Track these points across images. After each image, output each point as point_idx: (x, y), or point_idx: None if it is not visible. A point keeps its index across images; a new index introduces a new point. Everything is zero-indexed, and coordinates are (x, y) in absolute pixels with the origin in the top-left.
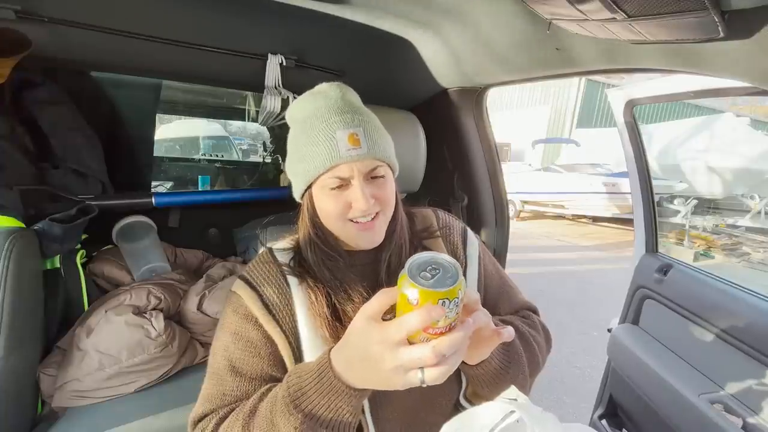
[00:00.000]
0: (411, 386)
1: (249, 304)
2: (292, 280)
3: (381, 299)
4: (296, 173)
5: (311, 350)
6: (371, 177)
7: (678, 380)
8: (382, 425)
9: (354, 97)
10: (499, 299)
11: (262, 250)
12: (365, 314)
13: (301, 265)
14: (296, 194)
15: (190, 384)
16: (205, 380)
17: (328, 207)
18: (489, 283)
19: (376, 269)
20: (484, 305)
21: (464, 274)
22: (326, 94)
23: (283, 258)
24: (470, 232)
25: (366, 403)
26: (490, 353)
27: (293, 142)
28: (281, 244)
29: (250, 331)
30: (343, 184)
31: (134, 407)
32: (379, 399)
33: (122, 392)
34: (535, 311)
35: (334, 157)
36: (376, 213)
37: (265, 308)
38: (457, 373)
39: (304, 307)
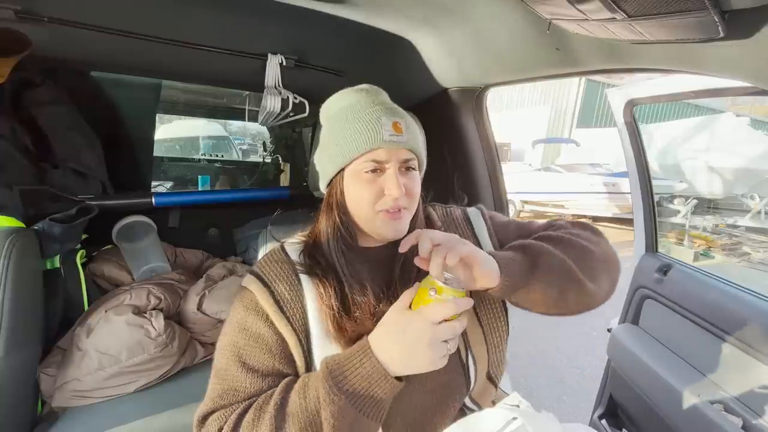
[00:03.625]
0: (442, 358)
1: (260, 300)
2: (304, 278)
3: (407, 295)
4: (329, 158)
5: (320, 348)
6: (405, 168)
7: (678, 380)
8: (388, 425)
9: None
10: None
11: (274, 245)
12: (399, 306)
13: (312, 258)
14: (323, 183)
15: (190, 384)
16: (211, 378)
17: (360, 193)
18: (507, 234)
19: (390, 265)
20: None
21: None
22: (368, 90)
23: (295, 253)
24: (472, 213)
25: None
26: (499, 264)
27: (328, 131)
28: (293, 239)
29: (261, 327)
30: (378, 169)
31: (134, 407)
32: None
33: (122, 392)
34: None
35: (377, 140)
36: (404, 207)
37: (277, 305)
38: (465, 372)
39: (315, 303)
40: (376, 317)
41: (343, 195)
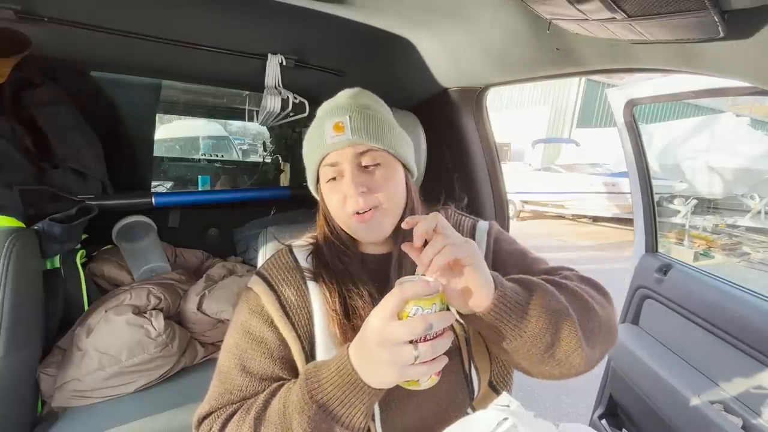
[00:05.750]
0: (406, 366)
1: (266, 303)
2: (311, 283)
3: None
4: (307, 171)
5: (325, 354)
6: (364, 165)
7: (678, 380)
8: None
9: (365, 98)
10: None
11: (276, 245)
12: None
13: (318, 261)
14: (313, 191)
15: (190, 384)
16: (213, 378)
17: (330, 201)
18: (505, 263)
19: (387, 269)
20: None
21: None
22: (338, 96)
23: (302, 256)
24: (480, 227)
25: (377, 413)
26: (495, 285)
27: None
28: (299, 242)
29: (264, 331)
30: (337, 174)
31: (134, 407)
32: (391, 410)
33: (122, 392)
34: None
35: (321, 146)
36: (374, 207)
37: (282, 310)
38: (468, 384)
39: (321, 307)
40: None
41: (325, 204)
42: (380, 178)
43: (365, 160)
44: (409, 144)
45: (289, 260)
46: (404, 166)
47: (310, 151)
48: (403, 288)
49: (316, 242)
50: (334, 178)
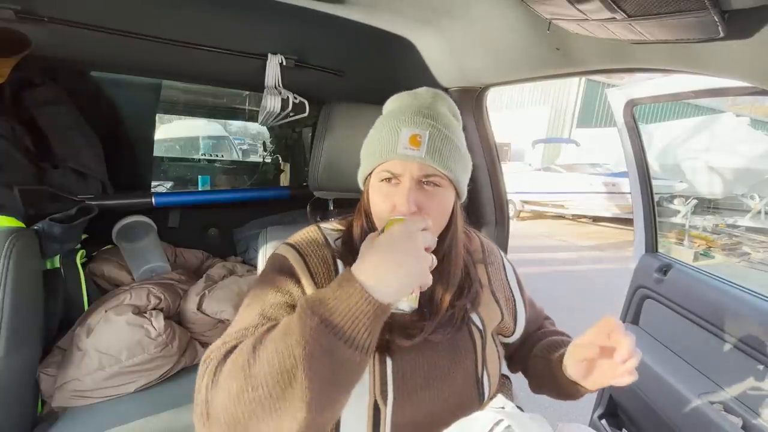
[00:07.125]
0: (429, 269)
1: (295, 265)
2: (340, 262)
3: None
4: (362, 160)
5: None
6: (424, 182)
7: (678, 380)
8: (399, 427)
9: (445, 109)
10: (532, 315)
11: (310, 226)
12: (372, 236)
13: (347, 249)
14: (360, 180)
15: (190, 384)
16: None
17: (376, 201)
18: (528, 303)
19: None
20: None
21: (514, 305)
22: (418, 95)
23: (331, 238)
24: (508, 265)
25: (390, 398)
26: None
27: (372, 130)
28: (329, 225)
29: (291, 287)
30: (393, 178)
31: (134, 407)
32: (404, 399)
33: (122, 392)
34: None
35: (390, 152)
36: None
37: (310, 274)
38: (479, 387)
39: None
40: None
41: (368, 200)
42: (434, 200)
43: (427, 180)
44: (469, 168)
45: (319, 237)
46: (457, 191)
47: (374, 150)
48: (413, 224)
49: (349, 232)
50: (389, 179)
